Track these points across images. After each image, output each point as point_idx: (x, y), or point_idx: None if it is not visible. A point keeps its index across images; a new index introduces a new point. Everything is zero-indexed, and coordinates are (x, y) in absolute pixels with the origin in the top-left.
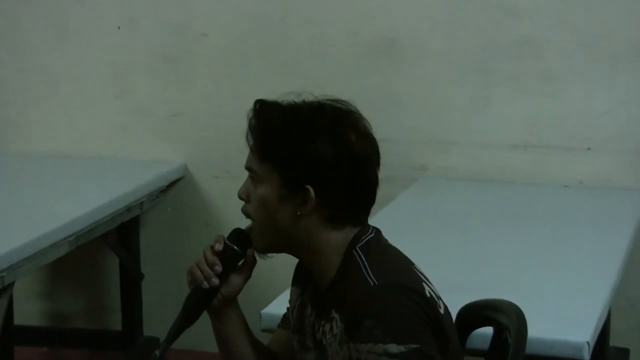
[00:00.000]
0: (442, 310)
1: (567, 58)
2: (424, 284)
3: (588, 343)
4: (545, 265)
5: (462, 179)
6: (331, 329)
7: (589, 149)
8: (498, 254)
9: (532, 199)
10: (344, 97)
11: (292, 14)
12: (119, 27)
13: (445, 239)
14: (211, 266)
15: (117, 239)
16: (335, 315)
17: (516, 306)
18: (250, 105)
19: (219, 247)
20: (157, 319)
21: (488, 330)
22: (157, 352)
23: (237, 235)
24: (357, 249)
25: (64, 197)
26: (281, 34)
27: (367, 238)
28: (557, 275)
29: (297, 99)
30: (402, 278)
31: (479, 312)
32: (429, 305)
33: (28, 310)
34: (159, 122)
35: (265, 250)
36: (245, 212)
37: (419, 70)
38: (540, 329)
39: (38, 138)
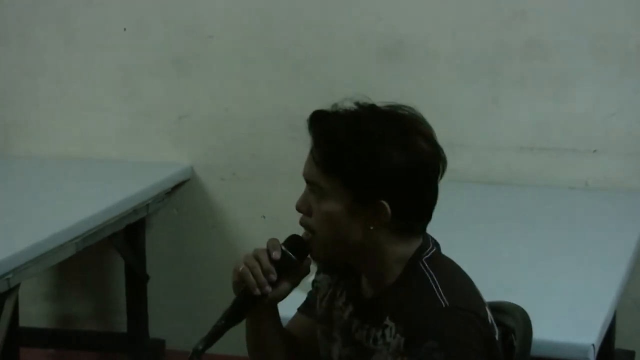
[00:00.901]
0: (497, 337)
1: (575, 60)
2: (486, 308)
3: (593, 345)
4: (551, 267)
5: (470, 181)
6: (383, 335)
7: (595, 151)
8: (504, 255)
9: (539, 201)
10: (352, 99)
11: (300, 16)
12: (125, 29)
13: (451, 241)
14: (266, 274)
15: (124, 241)
16: (390, 323)
17: (521, 308)
18: (256, 107)
19: (276, 255)
20: (163, 321)
21: None
22: (199, 346)
23: (295, 242)
24: (424, 261)
25: (71, 199)
26: (289, 36)
27: (431, 252)
28: (562, 277)
29: (352, 106)
30: (472, 303)
31: None
32: (490, 332)
33: (34, 312)
34: (165, 124)
35: (325, 260)
36: (305, 224)
37: (427, 72)
38: (545, 331)
39: (45, 140)
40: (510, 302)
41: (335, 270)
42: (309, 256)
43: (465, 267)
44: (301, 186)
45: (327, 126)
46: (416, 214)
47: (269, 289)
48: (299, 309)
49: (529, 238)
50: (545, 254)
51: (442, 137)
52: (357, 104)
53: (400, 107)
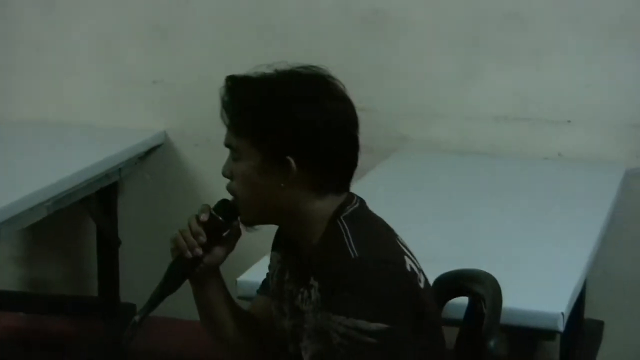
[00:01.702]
0: (422, 285)
1: (553, 31)
2: (405, 257)
3: (562, 314)
4: (523, 237)
5: (445, 151)
6: (309, 296)
7: (569, 121)
8: (476, 225)
9: (513, 171)
10: (330, 66)
11: None
12: None
13: (423, 209)
14: (195, 236)
15: (95, 205)
16: (314, 282)
17: (492, 276)
18: (230, 74)
19: (204, 217)
20: (135, 286)
21: (463, 300)
22: (136, 318)
23: (224, 206)
24: (342, 218)
25: (43, 163)
26: (267, 3)
27: (351, 208)
28: (534, 247)
29: (270, 70)
30: (383, 251)
31: (454, 282)
32: (409, 279)
33: (5, 276)
34: (141, 89)
35: (252, 223)
36: (229, 189)
37: (406, 41)
38: (515, 299)
39: (21, 105)
40: (480, 270)
41: (281, 245)
42: (238, 218)
43: (436, 235)
44: None
45: (234, 89)
46: (327, 172)
47: (199, 251)
48: (257, 291)
49: (502, 208)
50: (518, 224)
51: (420, 105)
52: (275, 70)
53: (310, 67)
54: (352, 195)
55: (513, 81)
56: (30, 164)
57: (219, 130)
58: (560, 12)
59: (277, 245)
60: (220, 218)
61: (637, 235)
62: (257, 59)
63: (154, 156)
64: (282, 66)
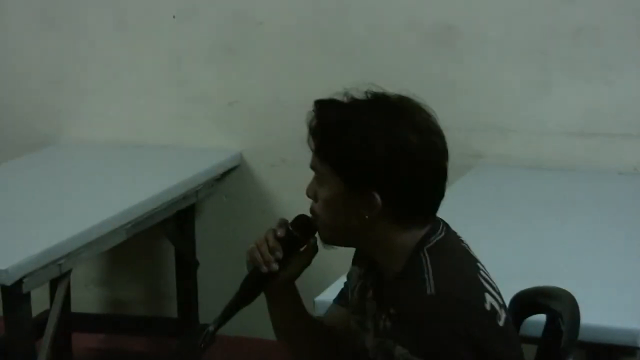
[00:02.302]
0: (501, 323)
1: (624, 44)
2: (485, 293)
3: None
4: (599, 252)
5: (519, 166)
6: (385, 321)
7: None
8: (552, 240)
9: (588, 186)
10: (401, 85)
11: (350, 2)
12: (174, 16)
13: (499, 226)
14: (272, 251)
15: (174, 227)
16: (392, 311)
17: (569, 293)
18: (306, 93)
19: (281, 232)
20: (213, 307)
21: (541, 317)
22: (210, 328)
23: (302, 221)
24: (425, 250)
25: (122, 186)
26: (338, 23)
27: (436, 239)
28: (611, 262)
29: (359, 94)
30: (461, 289)
31: (532, 299)
32: (484, 319)
33: (85, 298)
34: (215, 110)
35: (330, 242)
36: (311, 209)
37: (477, 57)
38: (593, 316)
39: (96, 126)
40: (557, 287)
41: (363, 261)
42: (315, 235)
43: (512, 252)
44: None
45: (321, 114)
46: (413, 205)
47: (274, 266)
48: (334, 300)
49: (577, 223)
50: (594, 239)
51: (493, 121)
52: (366, 92)
53: (402, 98)
54: (439, 223)
55: (585, 95)
56: (109, 187)
57: (294, 150)
58: (630, 25)
59: (358, 261)
60: (297, 234)
61: None
62: (329, 78)
63: (230, 177)
64: (373, 89)
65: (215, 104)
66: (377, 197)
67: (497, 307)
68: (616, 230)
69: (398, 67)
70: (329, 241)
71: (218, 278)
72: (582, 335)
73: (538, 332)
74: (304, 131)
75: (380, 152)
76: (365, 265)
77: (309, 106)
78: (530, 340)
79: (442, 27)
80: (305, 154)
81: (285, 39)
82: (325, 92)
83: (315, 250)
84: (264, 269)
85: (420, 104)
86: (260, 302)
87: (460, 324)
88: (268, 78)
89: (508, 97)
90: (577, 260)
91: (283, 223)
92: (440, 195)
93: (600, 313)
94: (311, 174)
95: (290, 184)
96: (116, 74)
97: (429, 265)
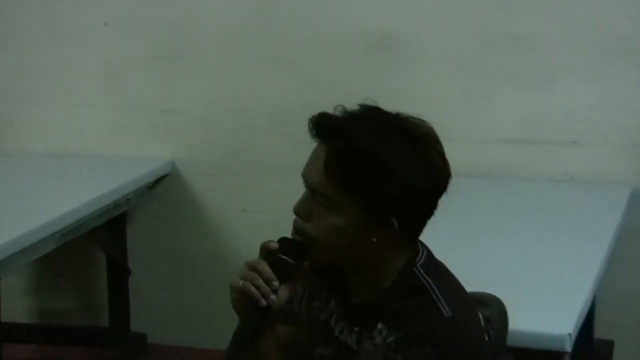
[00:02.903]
0: (486, 337)
1: (559, 53)
2: (478, 311)
3: (570, 335)
4: (530, 258)
5: (455, 174)
6: (372, 338)
7: (574, 142)
8: (483, 247)
9: (520, 193)
10: (340, 94)
11: (286, 11)
12: (106, 24)
13: (432, 233)
14: (269, 283)
15: (105, 235)
16: (383, 328)
17: (498, 299)
18: (240, 103)
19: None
20: (145, 315)
21: None
22: None
23: (291, 247)
24: (419, 267)
25: (52, 194)
26: (275, 32)
27: (423, 255)
28: (541, 268)
29: (370, 110)
30: (471, 312)
31: None
32: (485, 335)
33: (15, 307)
34: (148, 119)
35: (324, 264)
36: (301, 230)
37: (415, 66)
38: (522, 321)
39: (28, 136)
40: (487, 293)
41: (318, 273)
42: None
43: (446, 259)
44: (284, 180)
45: (345, 139)
46: (420, 227)
47: (274, 297)
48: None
49: (509, 230)
50: (525, 245)
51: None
52: (364, 107)
53: (414, 120)
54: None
55: (520, 103)
56: (39, 196)
57: (226, 159)
58: (565, 35)
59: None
60: (290, 260)
61: None
62: (264, 87)
63: (163, 185)
64: (369, 104)
65: (148, 112)
66: (395, 223)
67: (483, 322)
68: (548, 236)
69: (335, 76)
70: (321, 264)
71: (150, 286)
72: (511, 341)
73: None
74: (236, 140)
75: (413, 181)
76: (318, 279)
77: (243, 115)
78: None
79: (380, 36)
80: (237, 162)
81: (221, 48)
82: (259, 101)
83: (310, 272)
84: (263, 302)
85: (431, 127)
86: (194, 310)
87: (474, 345)
88: (202, 87)
89: (445, 106)
90: (507, 267)
91: (273, 248)
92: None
93: (530, 318)
94: (246, 182)
95: (222, 192)
96: (48, 83)
97: (433, 286)
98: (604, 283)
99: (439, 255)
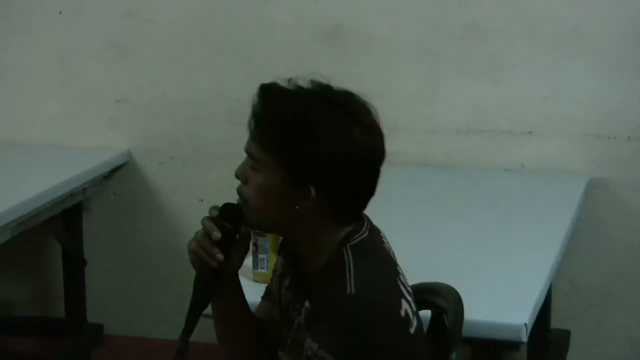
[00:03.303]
0: (412, 330)
1: (512, 43)
2: (402, 300)
3: (526, 325)
4: (486, 248)
5: (407, 164)
6: (301, 314)
7: (530, 132)
8: (439, 237)
9: (475, 183)
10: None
11: (241, 0)
12: (60, 12)
13: (386, 223)
14: (211, 233)
15: (60, 225)
16: (307, 305)
17: (453, 289)
18: (195, 91)
19: (216, 235)
20: (101, 305)
21: (426, 313)
22: (181, 344)
23: (229, 211)
24: (347, 247)
25: (6, 184)
26: (228, 21)
27: (360, 237)
28: (497, 258)
29: (306, 83)
30: (380, 293)
31: (417, 296)
32: (399, 326)
33: None
34: (103, 108)
35: (257, 228)
36: (240, 192)
37: (365, 56)
38: (478, 311)
39: None
40: (442, 283)
41: (287, 251)
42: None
43: (399, 248)
44: None
45: (270, 101)
46: (345, 203)
47: (220, 256)
48: (262, 297)
49: (464, 220)
50: (481, 236)
51: (380, 120)
52: (312, 82)
53: (350, 94)
54: (364, 221)
55: (473, 93)
56: None
57: (182, 147)
58: (518, 25)
59: (282, 252)
60: (228, 224)
61: (601, 245)
62: (217, 76)
63: (119, 175)
64: (319, 80)
65: (102, 101)
66: (313, 191)
67: (410, 314)
68: (503, 226)
69: (287, 65)
70: (256, 226)
71: (106, 277)
72: (467, 331)
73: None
74: (191, 129)
75: (329, 150)
76: (287, 255)
77: (198, 105)
78: None
79: (331, 25)
80: (193, 152)
81: (174, 36)
82: (214, 90)
83: (249, 235)
84: (213, 263)
85: (366, 103)
86: (150, 301)
87: (373, 327)
88: (156, 76)
89: (395, 96)
90: (463, 257)
91: (212, 226)
92: (372, 194)
93: (485, 309)
94: (202, 171)
95: (178, 182)
96: (2, 71)
97: (352, 264)
98: (560, 273)
99: (394, 244)
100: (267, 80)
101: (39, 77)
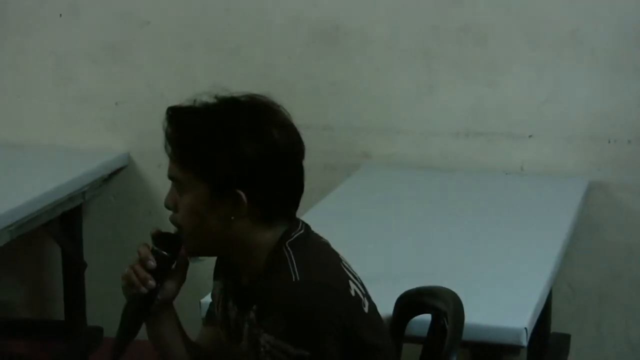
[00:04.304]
0: (366, 309)
1: (510, 45)
2: (349, 281)
3: (526, 329)
4: (485, 252)
5: (405, 166)
6: (250, 320)
7: (530, 136)
8: (439, 241)
9: (474, 186)
10: (288, 84)
11: (236, 1)
12: (60, 15)
13: (386, 226)
14: (146, 262)
15: (60, 228)
16: (255, 307)
17: (453, 293)
18: (194, 93)
19: (151, 264)
20: (101, 308)
21: (426, 317)
22: None
23: (165, 239)
24: (287, 245)
25: (5, 186)
26: (224, 22)
27: (297, 234)
28: (496, 261)
29: (211, 99)
30: (326, 275)
31: (417, 299)
32: (351, 304)
33: None
34: (101, 110)
35: (197, 254)
36: (173, 221)
37: (363, 57)
38: (478, 315)
39: None
40: (441, 287)
41: (222, 273)
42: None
43: (399, 252)
44: None
45: (178, 120)
46: (276, 202)
47: (152, 283)
48: (203, 323)
49: (464, 223)
50: (480, 239)
51: (379, 122)
52: (216, 97)
53: (253, 96)
54: (298, 220)
55: (471, 96)
56: None
57: None
58: (516, 27)
59: (218, 274)
60: (164, 252)
61: (601, 247)
62: (215, 77)
63: (118, 178)
64: (223, 94)
65: (101, 104)
66: (243, 196)
67: (360, 295)
68: (503, 229)
69: (284, 67)
70: (194, 252)
71: (106, 279)
72: (467, 335)
73: (423, 331)
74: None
75: (245, 151)
76: (224, 276)
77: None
78: (415, 339)
79: (328, 26)
80: None
81: (172, 38)
82: (212, 92)
83: (186, 263)
84: (143, 289)
85: (272, 101)
86: None
87: (325, 306)
88: (155, 77)
89: (394, 97)
90: (463, 260)
91: (146, 252)
92: (301, 191)
93: (486, 312)
94: None
95: None
96: (1, 73)
97: (293, 258)
98: (560, 276)
99: (390, 248)
100: (267, 82)
101: (38, 79)
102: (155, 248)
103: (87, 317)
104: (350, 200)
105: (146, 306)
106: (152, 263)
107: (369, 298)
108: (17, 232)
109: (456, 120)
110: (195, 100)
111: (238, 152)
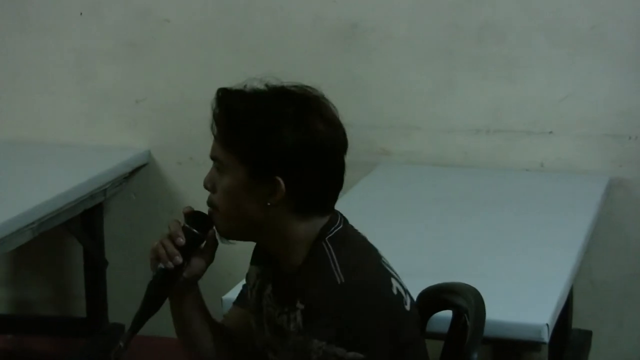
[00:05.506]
0: (407, 307)
1: (529, 43)
2: (392, 279)
3: (547, 325)
4: (506, 248)
5: (425, 164)
6: (295, 318)
7: (550, 132)
8: (459, 238)
9: (494, 183)
10: (307, 82)
11: None
12: (81, 14)
13: (407, 223)
14: (175, 242)
15: (81, 226)
16: (300, 305)
17: (474, 289)
18: (213, 91)
19: (180, 241)
20: (122, 306)
21: (447, 313)
22: (121, 343)
23: (196, 218)
24: (326, 240)
25: (27, 184)
26: (244, 20)
27: (336, 229)
28: (517, 258)
29: (261, 85)
30: (370, 276)
31: (438, 296)
32: (394, 304)
33: None
34: (122, 108)
35: (228, 235)
36: (209, 202)
37: (382, 55)
38: (499, 311)
39: (2, 126)
40: (463, 283)
41: (261, 259)
42: (213, 228)
43: (419, 249)
44: None
45: (227, 103)
46: (314, 194)
47: (179, 258)
48: (234, 302)
49: (485, 220)
50: (501, 236)
51: (399, 119)
52: (266, 85)
53: (303, 87)
54: (336, 215)
55: (491, 93)
56: (14, 186)
57: (202, 148)
58: (535, 24)
59: (256, 260)
60: (194, 229)
61: (622, 245)
62: (235, 75)
63: (139, 175)
64: (273, 82)
65: (122, 101)
66: (282, 183)
67: (402, 291)
68: (524, 226)
69: (304, 65)
70: (227, 235)
71: (127, 277)
72: (488, 331)
73: (444, 328)
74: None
75: (288, 140)
76: (262, 263)
77: None
78: (436, 336)
79: (348, 24)
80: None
81: (192, 36)
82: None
83: (215, 244)
84: (170, 264)
85: (322, 95)
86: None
87: (372, 310)
88: (175, 75)
89: (414, 95)
90: (484, 257)
91: (178, 227)
92: (340, 187)
93: (506, 309)
94: None
95: (198, 182)
96: (21, 71)
97: (334, 255)
98: (581, 273)
99: (410, 245)
100: (286, 80)
101: (58, 77)
102: (187, 225)
103: (108, 314)
104: (370, 198)
105: (171, 282)
106: (182, 239)
107: (408, 294)
108: (39, 230)
109: (476, 118)
110: (245, 85)
111: (280, 140)
